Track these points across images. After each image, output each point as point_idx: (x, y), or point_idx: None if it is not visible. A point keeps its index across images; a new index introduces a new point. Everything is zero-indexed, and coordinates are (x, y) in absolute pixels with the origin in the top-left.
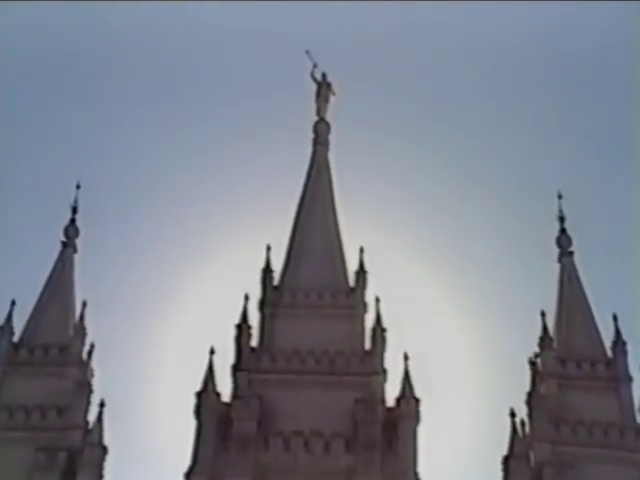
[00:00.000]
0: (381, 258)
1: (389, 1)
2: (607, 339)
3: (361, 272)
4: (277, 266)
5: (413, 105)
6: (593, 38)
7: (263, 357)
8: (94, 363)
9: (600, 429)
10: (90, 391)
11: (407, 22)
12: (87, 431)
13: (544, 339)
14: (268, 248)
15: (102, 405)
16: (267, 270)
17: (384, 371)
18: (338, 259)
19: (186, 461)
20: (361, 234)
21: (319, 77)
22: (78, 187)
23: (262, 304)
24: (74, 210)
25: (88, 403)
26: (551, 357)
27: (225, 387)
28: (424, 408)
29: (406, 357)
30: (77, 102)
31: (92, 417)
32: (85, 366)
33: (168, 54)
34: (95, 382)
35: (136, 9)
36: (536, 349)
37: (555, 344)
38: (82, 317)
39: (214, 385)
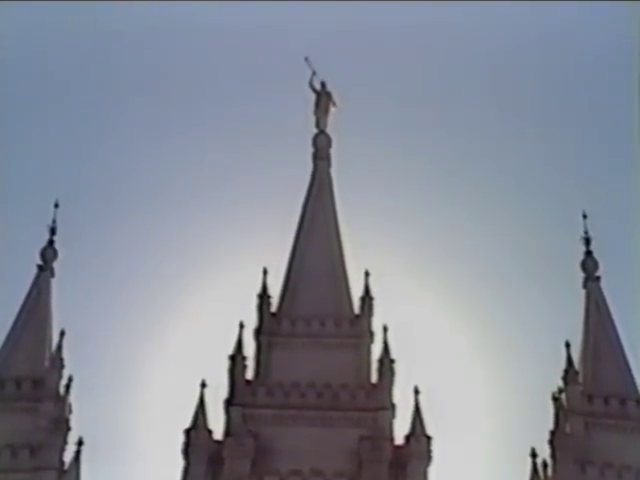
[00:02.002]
0: (388, 283)
1: (391, 1)
2: (638, 373)
3: (367, 298)
4: (275, 291)
5: (420, 116)
6: (613, 44)
7: (259, 391)
8: (72, 398)
9: (631, 473)
10: (67, 429)
11: (411, 27)
12: (62, 472)
13: (569, 372)
14: (265, 271)
15: (80, 444)
16: (264, 295)
17: (392, 406)
18: (341, 284)
19: None
20: (366, 256)
21: (318, 86)
22: (56, 206)
23: (258, 333)
24: (52, 231)
25: (64, 442)
26: (577, 392)
27: (217, 424)
28: (436, 446)
29: (416, 391)
30: (54, 111)
31: (68, 457)
32: (62, 401)
33: (158, 61)
34: (73, 419)
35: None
36: (560, 383)
37: (581, 378)
38: (59, 348)
39: (205, 421)
